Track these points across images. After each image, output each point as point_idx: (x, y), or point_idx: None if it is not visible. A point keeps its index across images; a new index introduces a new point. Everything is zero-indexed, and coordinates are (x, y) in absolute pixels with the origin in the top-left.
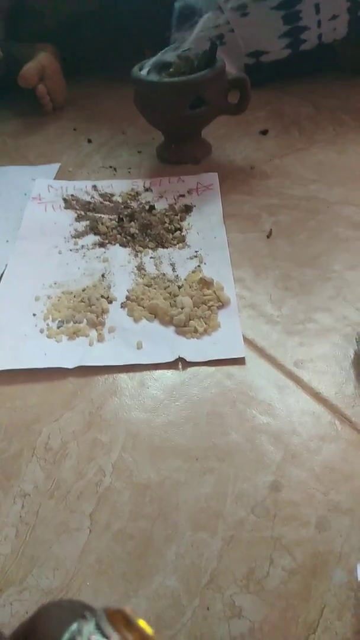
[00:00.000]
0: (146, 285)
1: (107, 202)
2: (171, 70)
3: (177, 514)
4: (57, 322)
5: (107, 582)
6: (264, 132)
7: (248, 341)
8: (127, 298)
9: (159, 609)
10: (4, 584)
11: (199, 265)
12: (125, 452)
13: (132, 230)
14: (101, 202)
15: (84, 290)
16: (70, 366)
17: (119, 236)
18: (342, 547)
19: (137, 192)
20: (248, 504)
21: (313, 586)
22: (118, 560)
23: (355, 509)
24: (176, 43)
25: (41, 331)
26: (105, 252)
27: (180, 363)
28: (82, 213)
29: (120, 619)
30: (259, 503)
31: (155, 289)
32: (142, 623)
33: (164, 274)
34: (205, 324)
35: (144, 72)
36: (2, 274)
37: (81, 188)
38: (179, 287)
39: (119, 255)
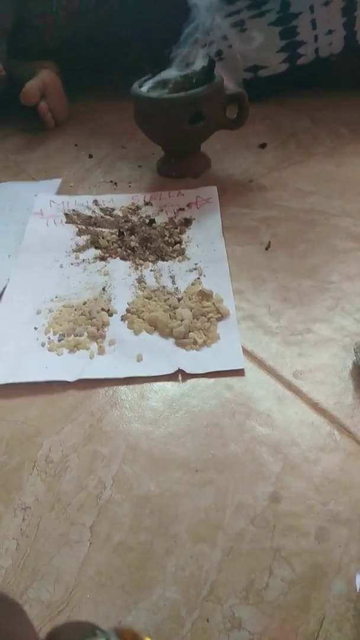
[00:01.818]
0: (146, 298)
1: (108, 217)
2: (170, 86)
3: (176, 526)
4: (58, 335)
5: (107, 594)
6: (263, 146)
7: (247, 352)
8: (128, 311)
9: (159, 621)
10: None
11: (198, 278)
12: (125, 464)
13: (133, 243)
14: (102, 217)
15: (84, 303)
16: (71, 379)
17: (119, 250)
18: (341, 557)
19: (137, 206)
20: (247, 515)
21: (312, 597)
22: (118, 573)
23: (354, 519)
24: (178, 60)
25: (42, 344)
26: (106, 266)
27: (180, 375)
28: (83, 227)
29: (130, 637)
30: (259, 514)
31: (155, 301)
32: None
33: (163, 287)
34: (205, 335)
35: (143, 88)
36: (4, 288)
37: (82, 203)
38: (179, 300)
39: (120, 268)
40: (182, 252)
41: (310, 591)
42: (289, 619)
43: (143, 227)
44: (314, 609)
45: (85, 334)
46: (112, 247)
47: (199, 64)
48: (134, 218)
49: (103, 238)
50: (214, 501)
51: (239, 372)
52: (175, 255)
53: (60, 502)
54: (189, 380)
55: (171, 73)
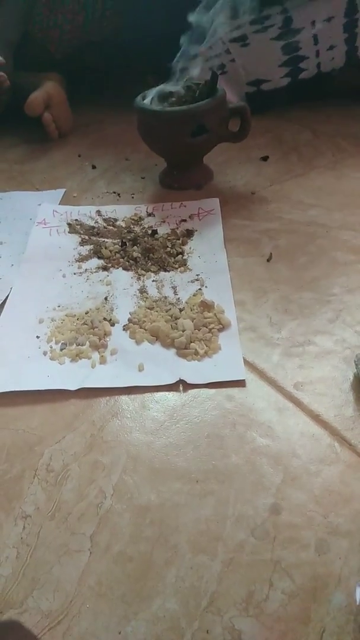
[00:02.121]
0: (148, 308)
1: (111, 227)
2: (173, 99)
3: (177, 536)
4: (60, 344)
5: (107, 604)
6: (265, 159)
7: (248, 363)
8: (129, 320)
9: (159, 632)
10: (4, 606)
11: (200, 289)
12: (126, 474)
13: (135, 254)
14: (105, 227)
15: (87, 313)
16: (73, 388)
17: (121, 260)
18: (341, 569)
19: (140, 217)
20: (248, 527)
21: (312, 609)
22: (118, 583)
23: (354, 531)
24: (178, 74)
25: (44, 353)
26: (108, 276)
27: (181, 385)
28: (86, 237)
29: None
30: (259, 525)
31: (157, 311)
32: None
33: (165, 297)
34: (206, 346)
35: (147, 101)
36: (7, 297)
37: (85, 213)
38: (180, 310)
39: (122, 278)
40: (184, 263)
41: (310, 603)
42: (289, 632)
43: (145, 238)
44: (314, 621)
45: (87, 343)
46: (114, 257)
47: (195, 73)
48: (137, 229)
49: (106, 248)
50: (214, 512)
51: (240, 383)
52: (177, 266)
53: (61, 511)
54: (190, 391)
55: (174, 86)
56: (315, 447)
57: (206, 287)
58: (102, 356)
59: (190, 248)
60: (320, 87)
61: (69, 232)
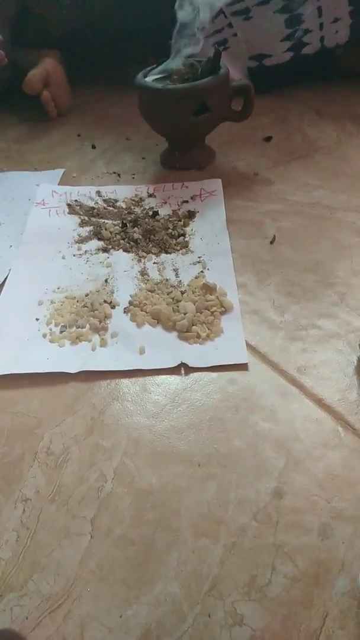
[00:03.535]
0: (149, 291)
1: (111, 208)
2: (175, 77)
3: (178, 520)
4: (59, 326)
5: (108, 588)
6: (268, 139)
7: (251, 347)
8: (130, 303)
9: (160, 616)
10: (5, 589)
11: (202, 271)
12: (127, 458)
13: (136, 235)
14: (105, 208)
15: (87, 295)
16: (73, 371)
17: (122, 241)
18: (344, 554)
19: (140, 198)
20: (250, 511)
21: (315, 594)
22: (119, 566)
23: (358, 516)
24: (180, 50)
25: (44, 336)
26: (108, 258)
27: (182, 368)
28: (86, 218)
29: None
30: (261, 509)
31: (158, 294)
32: None
33: (167, 280)
34: (208, 329)
35: (149, 79)
36: (5, 279)
37: (85, 194)
38: (182, 293)
39: (122, 260)
40: (185, 245)
41: (313, 588)
42: (292, 616)
43: (146, 219)
44: (317, 606)
45: (88, 325)
46: (114, 238)
47: (197, 50)
48: (137, 210)
49: (106, 229)
50: (216, 496)
51: (243, 367)
52: (178, 248)
53: (61, 495)
54: (191, 374)
55: (176, 63)
56: (318, 431)
57: (208, 269)
58: (102, 339)
59: (192, 230)
60: (325, 66)
61: (68, 213)
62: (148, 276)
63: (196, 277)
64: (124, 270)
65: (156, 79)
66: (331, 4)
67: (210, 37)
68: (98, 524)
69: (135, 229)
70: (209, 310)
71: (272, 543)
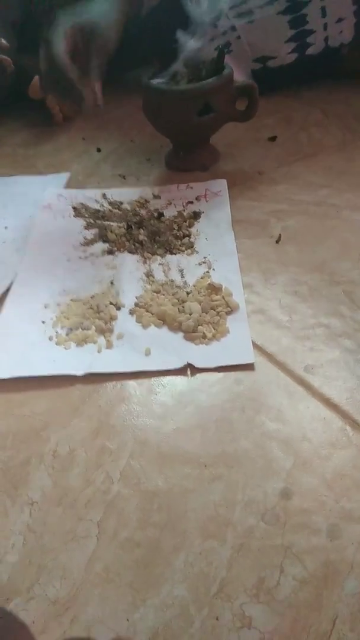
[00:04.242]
0: (155, 292)
1: (116, 210)
2: (179, 78)
3: (185, 522)
4: (65, 329)
5: (115, 590)
6: (273, 139)
7: (257, 347)
8: (136, 304)
9: (167, 619)
10: (11, 593)
11: (207, 271)
12: (133, 459)
13: (141, 237)
14: (110, 210)
15: (92, 297)
16: (79, 373)
17: (127, 243)
18: (354, 555)
19: (145, 200)
20: (258, 512)
21: (324, 596)
22: (126, 569)
23: None
24: (183, 53)
25: (50, 338)
26: (114, 259)
27: (189, 369)
28: (92, 221)
29: None
30: (269, 510)
31: (163, 295)
32: None
33: (172, 280)
34: (214, 329)
35: (153, 81)
36: (11, 283)
37: (90, 196)
38: (188, 293)
39: (128, 262)
40: (191, 246)
41: (323, 590)
42: (301, 618)
43: (151, 221)
44: (326, 608)
45: (93, 327)
46: (120, 240)
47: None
48: (143, 211)
49: (111, 232)
50: (223, 497)
51: (249, 367)
52: (184, 248)
53: (68, 497)
54: (198, 375)
55: (180, 65)
56: (326, 431)
57: (214, 269)
58: (108, 340)
59: (197, 230)
60: (329, 66)
61: (74, 216)
62: (153, 277)
63: (202, 278)
64: (129, 272)
65: (161, 81)
66: (335, 3)
67: (214, 40)
68: (104, 527)
69: (141, 230)
70: (214, 310)
71: (281, 544)
